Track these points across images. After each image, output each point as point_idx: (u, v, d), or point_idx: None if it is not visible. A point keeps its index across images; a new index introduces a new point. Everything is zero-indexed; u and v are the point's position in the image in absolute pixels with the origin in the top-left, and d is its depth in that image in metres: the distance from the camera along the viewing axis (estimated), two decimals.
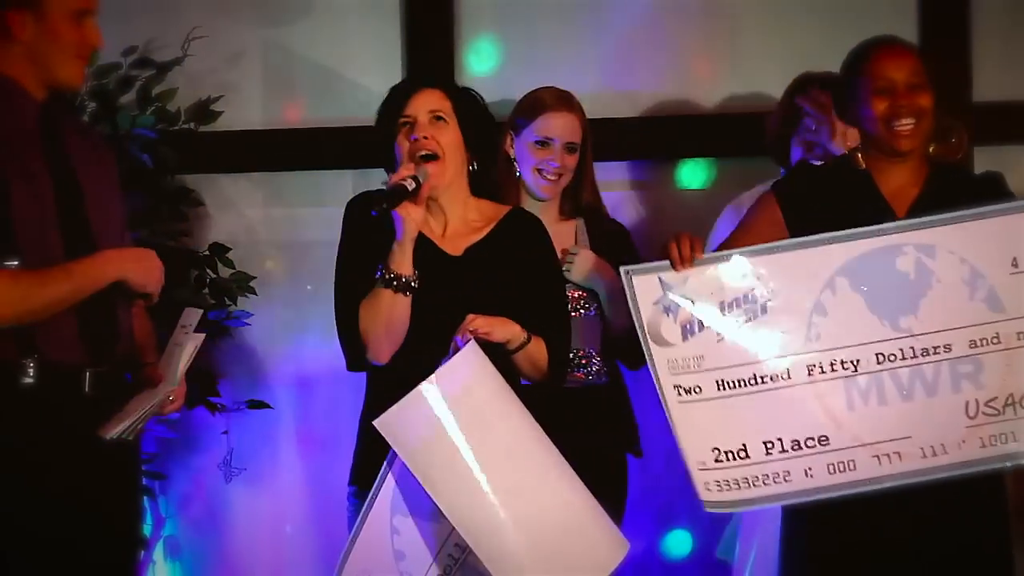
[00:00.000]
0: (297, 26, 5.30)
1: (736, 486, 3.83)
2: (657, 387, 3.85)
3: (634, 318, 3.85)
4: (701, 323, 3.84)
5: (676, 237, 3.89)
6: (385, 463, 3.78)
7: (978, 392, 3.85)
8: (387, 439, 3.68)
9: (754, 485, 3.83)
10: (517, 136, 4.67)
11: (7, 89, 3.81)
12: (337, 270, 4.05)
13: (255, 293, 5.14)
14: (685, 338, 3.85)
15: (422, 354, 3.92)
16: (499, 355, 3.88)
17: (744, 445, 3.83)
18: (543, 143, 4.63)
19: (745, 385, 3.86)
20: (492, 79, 5.27)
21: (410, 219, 3.90)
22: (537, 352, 3.96)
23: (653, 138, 5.14)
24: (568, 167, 4.65)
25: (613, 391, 4.55)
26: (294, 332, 5.23)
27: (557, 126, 4.65)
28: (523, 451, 3.80)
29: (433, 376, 3.71)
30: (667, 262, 3.86)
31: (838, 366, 3.86)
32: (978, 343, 3.86)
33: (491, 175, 4.27)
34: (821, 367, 3.86)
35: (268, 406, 5.19)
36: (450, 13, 5.28)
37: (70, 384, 3.76)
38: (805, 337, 3.86)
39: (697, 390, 3.84)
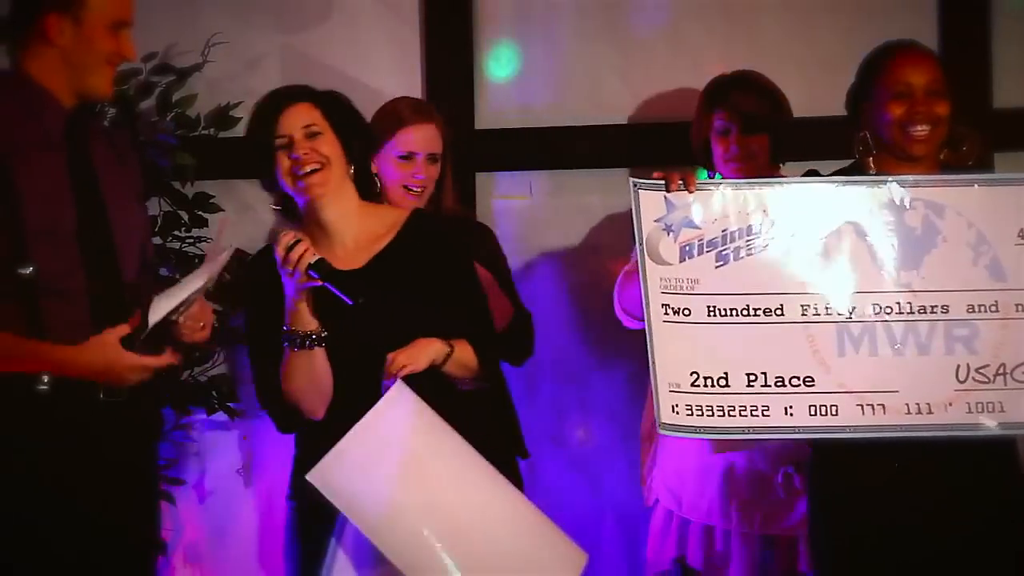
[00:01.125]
0: (316, 32, 5.31)
1: (709, 412, 3.82)
2: (643, 303, 3.84)
3: (635, 230, 3.85)
4: (701, 247, 3.85)
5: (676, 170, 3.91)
6: (332, 544, 3.77)
7: (970, 357, 3.87)
8: (322, 492, 3.66)
9: (729, 415, 3.83)
10: (377, 152, 4.48)
11: (36, 98, 3.82)
12: (247, 337, 4.03)
13: None
14: (683, 259, 3.86)
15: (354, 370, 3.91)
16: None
17: (725, 373, 3.84)
18: (406, 157, 4.56)
19: (736, 315, 3.86)
20: (512, 84, 5.27)
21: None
22: (465, 356, 3.94)
23: (672, 143, 5.12)
24: (432, 178, 4.58)
25: (496, 393, 4.37)
26: None
27: (418, 139, 4.56)
28: (464, 482, 3.78)
29: (358, 425, 3.69)
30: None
31: (833, 310, 3.87)
32: (976, 308, 3.88)
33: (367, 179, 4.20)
34: (815, 308, 3.87)
35: None
36: (469, 18, 5.28)
37: (85, 391, 3.76)
38: (804, 277, 3.87)
39: (686, 312, 3.84)
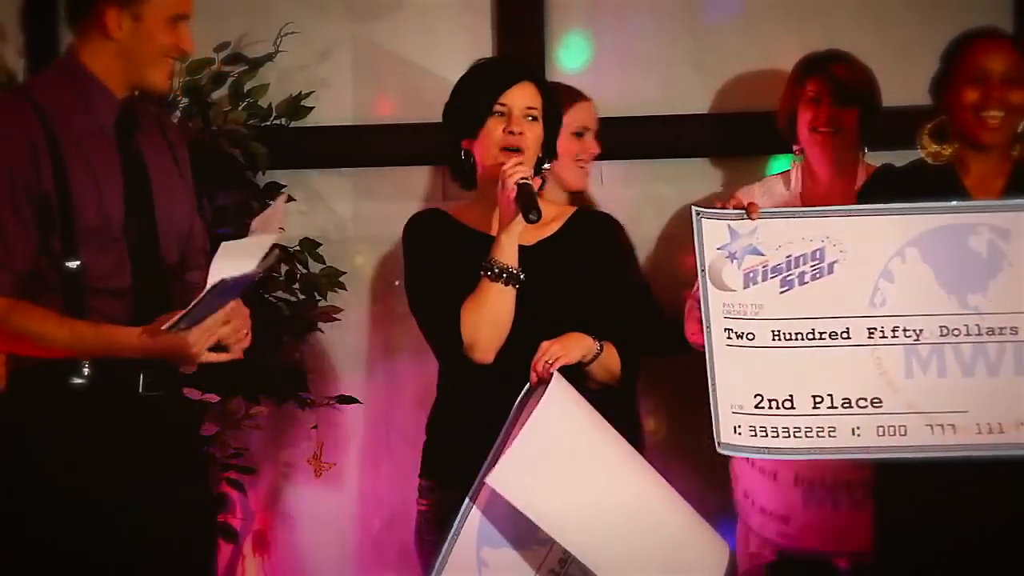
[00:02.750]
0: (388, 22, 5.30)
1: (774, 433, 3.83)
2: (704, 327, 3.87)
3: (696, 258, 3.89)
4: (766, 273, 3.88)
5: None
6: (468, 497, 3.77)
7: None
8: (503, 494, 3.68)
9: (795, 436, 3.84)
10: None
11: (90, 87, 3.83)
12: (416, 282, 4.05)
13: (344, 288, 5.16)
14: (747, 286, 3.89)
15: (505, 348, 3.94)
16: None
17: (791, 396, 3.85)
18: (579, 133, 4.65)
19: (802, 339, 3.88)
20: (583, 75, 5.24)
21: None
22: (610, 360, 3.96)
23: (745, 133, 5.08)
24: (594, 154, 4.70)
25: (623, 396, 4.38)
26: (383, 327, 5.23)
27: (587, 115, 4.69)
28: (622, 474, 3.82)
29: (528, 424, 3.71)
30: (739, 211, 3.90)
31: (900, 333, 3.87)
32: None
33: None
34: (882, 331, 3.88)
35: (357, 401, 5.20)
36: (541, 8, 5.25)
37: (124, 384, 3.77)
38: (869, 301, 3.89)
39: (750, 336, 3.86)
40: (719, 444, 3.82)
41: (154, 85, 3.88)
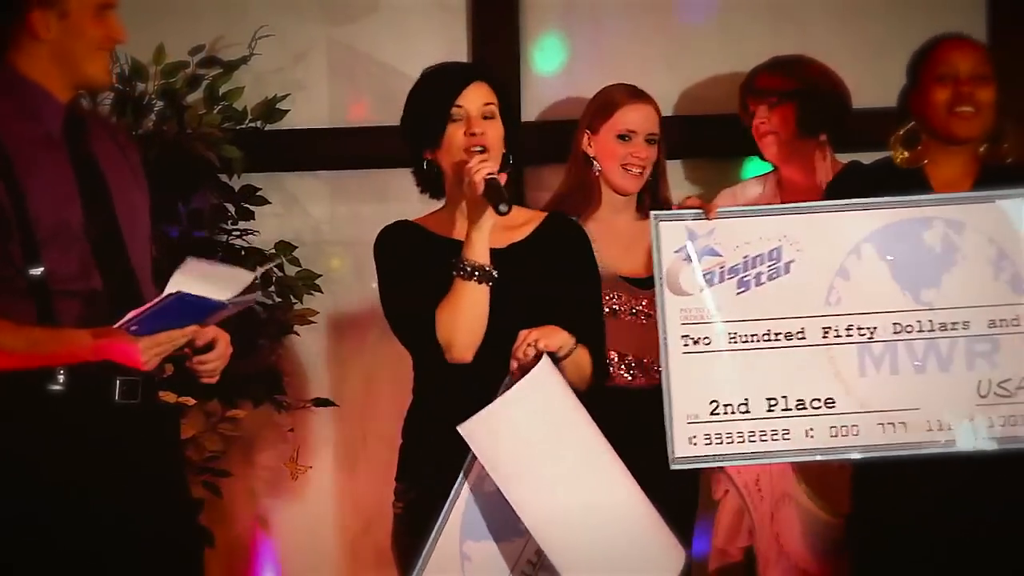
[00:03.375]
0: (363, 24, 5.30)
1: (729, 440, 3.85)
2: (660, 336, 3.89)
3: (654, 264, 3.90)
4: (723, 274, 3.88)
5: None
6: (452, 492, 3.77)
7: (992, 372, 3.88)
8: (470, 445, 3.69)
9: (749, 440, 3.85)
10: (595, 134, 4.68)
11: (31, 93, 3.79)
12: (390, 291, 4.04)
13: (320, 291, 5.16)
14: (702, 289, 3.89)
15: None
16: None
17: (746, 400, 3.86)
18: (625, 137, 4.64)
19: (758, 340, 3.88)
20: (558, 77, 5.25)
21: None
22: (583, 359, 3.95)
23: (720, 135, 5.10)
24: (650, 159, 4.67)
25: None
26: (359, 330, 5.23)
27: (637, 118, 4.67)
28: (593, 462, 3.80)
29: (515, 386, 3.72)
30: (697, 211, 3.91)
31: (854, 331, 3.89)
32: (997, 323, 3.89)
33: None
34: (837, 330, 3.89)
35: (334, 404, 5.20)
36: (516, 10, 5.26)
37: (99, 391, 3.75)
38: (825, 300, 3.90)
39: (706, 341, 3.87)
40: (672, 460, 3.84)
41: (94, 80, 3.84)
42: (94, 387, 3.73)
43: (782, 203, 4.74)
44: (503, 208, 3.85)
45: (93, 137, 3.87)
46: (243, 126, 5.15)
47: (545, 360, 3.80)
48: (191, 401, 4.95)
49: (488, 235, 3.93)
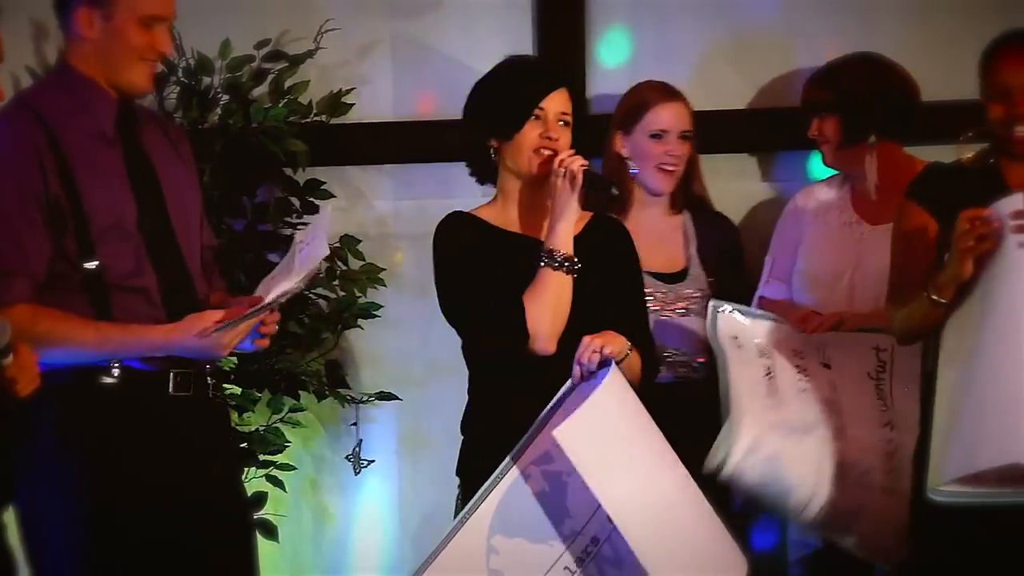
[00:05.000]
0: (428, 18, 5.30)
1: None
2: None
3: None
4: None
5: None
6: (489, 481, 3.78)
7: None
8: (564, 449, 3.71)
9: None
10: (628, 134, 4.70)
11: (84, 89, 3.82)
12: (452, 284, 4.06)
13: (384, 285, 5.16)
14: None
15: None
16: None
17: None
18: (658, 136, 4.64)
19: None
20: (624, 71, 5.23)
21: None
22: (634, 360, 3.98)
23: (785, 129, 5.06)
24: (683, 157, 4.69)
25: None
26: (423, 324, 5.22)
27: (669, 117, 4.69)
28: (659, 471, 3.83)
29: (591, 398, 3.74)
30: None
31: None
32: None
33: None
34: None
35: (397, 398, 5.20)
36: (582, 5, 5.25)
37: (154, 384, 3.77)
38: None
39: None
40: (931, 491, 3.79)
41: (131, 86, 3.85)
42: (148, 380, 3.75)
43: (852, 197, 4.74)
44: (615, 190, 4.02)
45: (145, 132, 3.90)
46: (308, 120, 5.16)
47: (614, 367, 3.81)
48: (256, 394, 4.98)
49: (572, 226, 3.97)
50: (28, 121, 3.77)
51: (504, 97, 4.14)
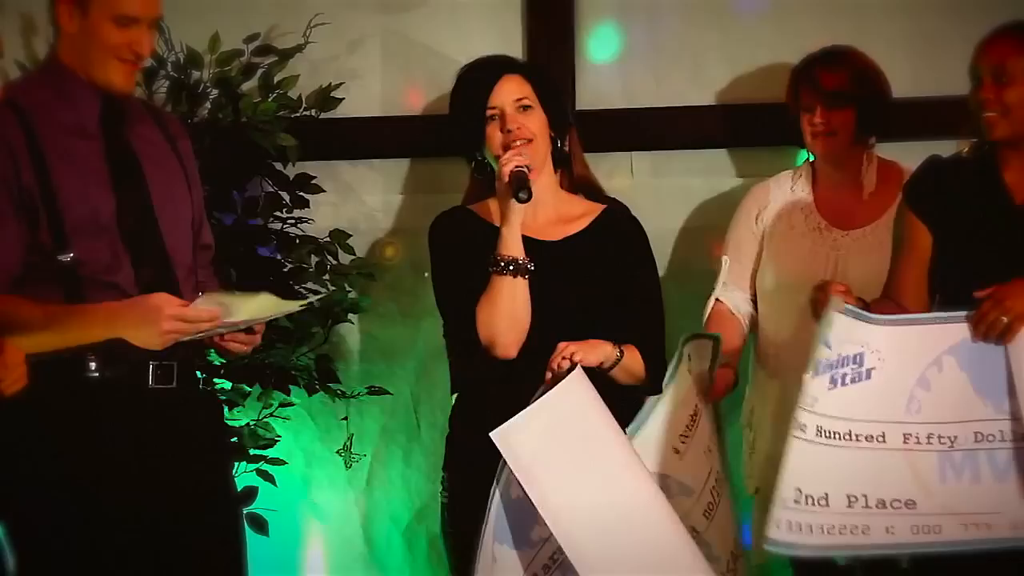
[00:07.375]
0: (418, 13, 5.30)
1: (808, 531, 3.77)
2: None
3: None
4: (821, 366, 3.80)
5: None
6: (491, 493, 3.79)
7: None
8: (501, 451, 3.70)
9: (828, 533, 3.79)
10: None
11: (69, 83, 3.80)
12: (443, 282, 4.05)
13: (374, 279, 5.16)
14: (811, 376, 3.82)
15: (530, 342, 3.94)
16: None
17: (826, 494, 3.79)
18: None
19: (840, 438, 3.82)
20: (614, 66, 5.23)
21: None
22: (633, 363, 3.95)
23: (775, 124, 5.07)
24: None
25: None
26: (413, 318, 5.23)
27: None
28: (619, 473, 3.81)
29: (541, 399, 3.73)
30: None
31: (935, 439, 3.83)
32: None
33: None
34: (917, 437, 3.84)
35: (388, 392, 5.20)
36: (571, 0, 5.24)
37: (133, 377, 3.76)
38: (905, 408, 3.84)
39: (803, 428, 3.79)
40: (766, 540, 3.76)
41: (108, 84, 3.81)
42: (126, 373, 3.74)
43: (814, 199, 4.72)
44: (522, 196, 3.86)
45: (135, 128, 3.87)
46: (298, 114, 5.15)
47: (578, 371, 3.79)
48: (246, 389, 4.98)
49: (518, 228, 3.94)
50: (4, 114, 3.75)
51: (458, 109, 4.13)
